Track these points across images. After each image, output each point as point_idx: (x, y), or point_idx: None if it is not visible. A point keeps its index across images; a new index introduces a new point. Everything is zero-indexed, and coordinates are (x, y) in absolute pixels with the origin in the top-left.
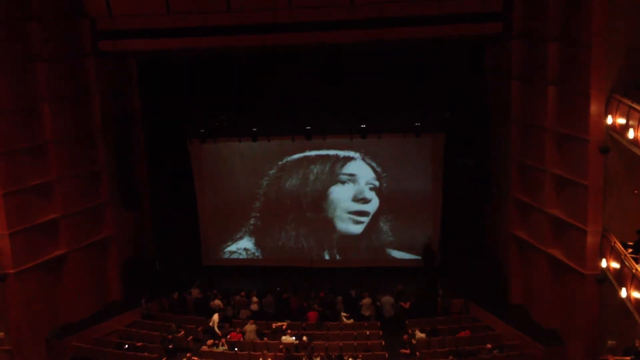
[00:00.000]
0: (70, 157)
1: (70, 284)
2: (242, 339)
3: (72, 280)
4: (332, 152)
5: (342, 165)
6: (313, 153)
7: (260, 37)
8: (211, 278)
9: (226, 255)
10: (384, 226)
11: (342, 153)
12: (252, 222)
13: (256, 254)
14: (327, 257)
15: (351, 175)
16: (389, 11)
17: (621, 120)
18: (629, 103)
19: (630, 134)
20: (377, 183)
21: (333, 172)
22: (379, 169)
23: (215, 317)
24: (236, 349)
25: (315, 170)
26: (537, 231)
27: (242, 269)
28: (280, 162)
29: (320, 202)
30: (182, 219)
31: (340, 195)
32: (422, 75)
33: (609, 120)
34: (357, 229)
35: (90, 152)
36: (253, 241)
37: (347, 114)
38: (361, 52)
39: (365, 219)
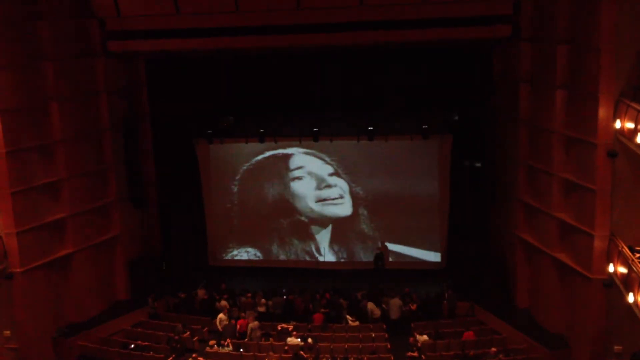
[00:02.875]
0: (78, 156)
1: (77, 283)
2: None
3: (79, 280)
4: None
5: (286, 162)
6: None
7: (268, 38)
8: (217, 278)
9: (232, 256)
10: (389, 227)
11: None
12: (255, 223)
13: (260, 255)
14: (332, 257)
15: (299, 167)
16: (398, 13)
17: (630, 125)
18: (638, 107)
19: (639, 139)
20: (330, 168)
21: (282, 172)
22: (320, 154)
23: (221, 315)
24: (241, 349)
25: (271, 171)
26: (544, 235)
27: (248, 269)
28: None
29: (288, 202)
30: (189, 219)
31: (303, 190)
32: (430, 77)
33: (618, 124)
34: (344, 210)
35: (98, 152)
36: (253, 243)
37: (354, 116)
38: (369, 54)
39: (344, 200)
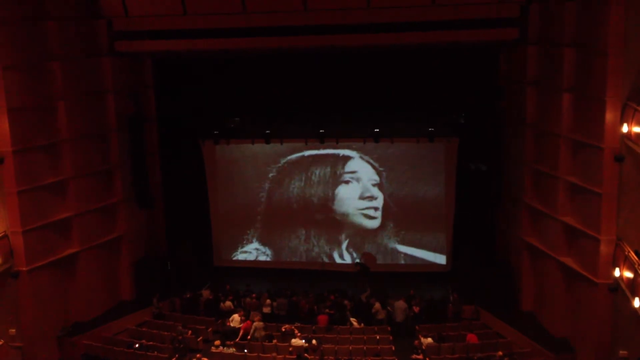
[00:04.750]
0: (85, 156)
1: (82, 283)
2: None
3: (84, 279)
4: (330, 152)
5: (343, 165)
6: (312, 152)
7: (275, 39)
8: (222, 279)
9: (238, 257)
10: (395, 230)
11: (340, 152)
12: (262, 224)
13: (267, 256)
14: (337, 259)
15: (353, 172)
16: (405, 15)
17: (637, 129)
18: None
19: None
20: (378, 178)
21: (335, 173)
22: (376, 165)
23: (235, 316)
24: (245, 350)
25: (317, 172)
26: (550, 238)
27: (253, 270)
28: (279, 165)
29: (327, 203)
30: (195, 219)
31: (347, 194)
32: (437, 79)
33: (625, 128)
34: (373, 223)
35: (104, 151)
36: (264, 243)
37: (360, 118)
38: (376, 56)
39: (378, 214)
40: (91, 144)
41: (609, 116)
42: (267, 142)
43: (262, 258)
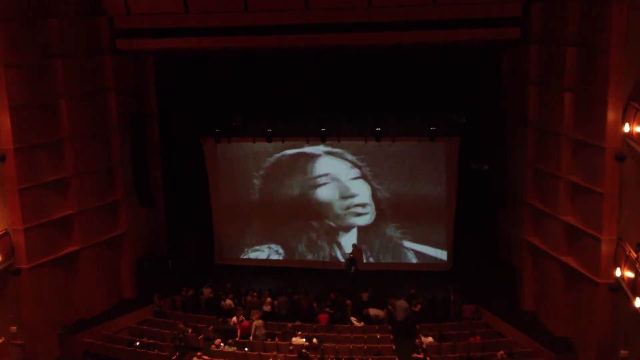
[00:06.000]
0: (86, 154)
1: (83, 280)
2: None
3: (85, 277)
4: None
5: (312, 166)
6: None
7: (276, 37)
8: (223, 277)
9: (239, 255)
10: (396, 229)
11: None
12: (261, 223)
13: (279, 254)
14: (340, 258)
15: (325, 175)
16: (407, 14)
17: (638, 128)
18: None
19: None
20: (358, 172)
21: (306, 175)
22: (353, 158)
23: (234, 319)
24: (246, 349)
25: (297, 172)
26: (551, 238)
27: (254, 269)
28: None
29: (311, 205)
30: (196, 217)
31: (327, 196)
32: (438, 79)
33: (626, 127)
34: (365, 220)
35: (105, 150)
36: (264, 242)
37: (362, 117)
38: (377, 55)
39: (367, 209)
40: (92, 142)
41: (611, 116)
42: (269, 141)
43: (274, 256)
